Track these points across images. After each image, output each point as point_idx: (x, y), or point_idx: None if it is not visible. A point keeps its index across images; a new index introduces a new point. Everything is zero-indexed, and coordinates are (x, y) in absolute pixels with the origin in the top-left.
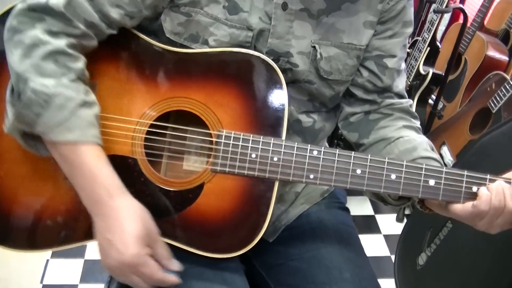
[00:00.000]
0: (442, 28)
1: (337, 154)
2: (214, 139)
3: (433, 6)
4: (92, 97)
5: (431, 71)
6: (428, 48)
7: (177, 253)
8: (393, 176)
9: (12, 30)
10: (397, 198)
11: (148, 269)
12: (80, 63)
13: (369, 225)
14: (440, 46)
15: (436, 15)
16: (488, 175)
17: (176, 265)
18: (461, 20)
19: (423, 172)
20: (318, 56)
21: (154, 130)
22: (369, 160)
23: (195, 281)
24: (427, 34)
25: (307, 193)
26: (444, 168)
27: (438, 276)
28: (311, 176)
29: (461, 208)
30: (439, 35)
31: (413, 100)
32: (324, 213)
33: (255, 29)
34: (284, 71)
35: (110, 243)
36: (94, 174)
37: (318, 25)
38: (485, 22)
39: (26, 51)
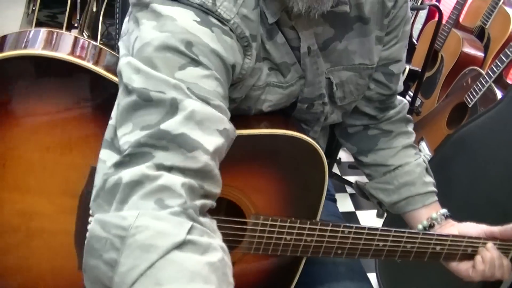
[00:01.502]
0: (419, 26)
1: (365, 233)
2: (249, 227)
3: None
4: None
5: (407, 67)
6: None
7: None
8: (408, 246)
9: None
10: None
11: None
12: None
13: (350, 221)
14: (416, 43)
15: (411, 12)
16: (481, 239)
17: None
18: (436, 18)
19: (433, 242)
20: (334, 88)
21: None
22: (392, 236)
23: None
24: None
25: None
26: (450, 236)
27: (419, 267)
28: (339, 252)
29: (456, 268)
30: (416, 33)
31: None
32: None
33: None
34: (320, 113)
35: None
36: None
37: (329, 54)
38: (461, 19)
39: None
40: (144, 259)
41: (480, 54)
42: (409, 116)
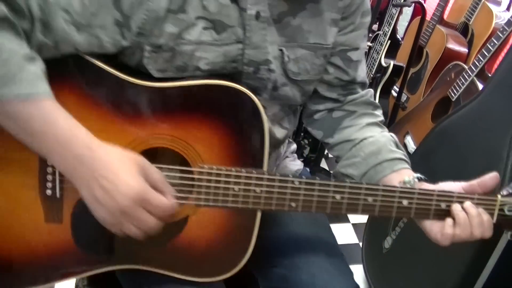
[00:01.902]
0: (404, 23)
1: (317, 184)
2: (196, 176)
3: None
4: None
5: (392, 63)
6: (389, 41)
7: (157, 276)
8: (370, 200)
9: None
10: None
11: (154, 199)
12: (23, 24)
13: (338, 217)
14: (400, 39)
15: (395, 9)
16: (456, 193)
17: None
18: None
19: (397, 194)
20: (286, 58)
21: None
22: (348, 187)
23: (165, 284)
24: (388, 28)
25: None
26: (417, 189)
27: (403, 257)
28: (293, 205)
29: (429, 229)
30: (401, 30)
31: (376, 91)
32: None
33: (244, 41)
34: (267, 80)
35: (107, 191)
36: (69, 136)
37: (283, 28)
38: (445, 16)
39: None
40: None
41: (464, 49)
42: (375, 102)
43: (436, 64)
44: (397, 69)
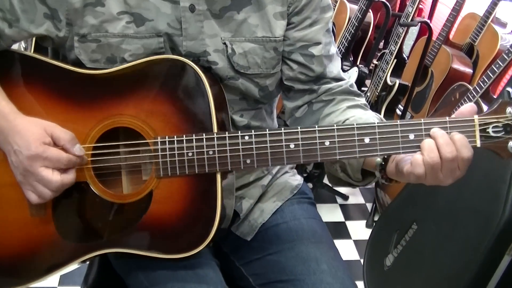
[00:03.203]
0: (410, 42)
1: (267, 134)
2: (151, 147)
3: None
4: None
5: (397, 81)
6: (395, 60)
7: (144, 260)
8: (327, 143)
9: None
10: (360, 179)
11: (51, 154)
12: None
13: (339, 231)
14: (406, 58)
15: (402, 28)
16: (422, 120)
17: (78, 149)
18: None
19: (355, 132)
20: (230, 51)
21: (98, 151)
22: (299, 132)
23: (168, 283)
24: (394, 47)
25: (277, 191)
26: (376, 122)
27: (404, 275)
28: (248, 161)
29: (413, 165)
30: (407, 49)
31: (381, 110)
32: (297, 209)
33: (165, 34)
34: (208, 70)
35: (16, 154)
36: None
37: (227, 23)
38: (451, 36)
39: None
40: None
41: (468, 70)
42: (357, 91)
43: (440, 84)
44: (402, 88)
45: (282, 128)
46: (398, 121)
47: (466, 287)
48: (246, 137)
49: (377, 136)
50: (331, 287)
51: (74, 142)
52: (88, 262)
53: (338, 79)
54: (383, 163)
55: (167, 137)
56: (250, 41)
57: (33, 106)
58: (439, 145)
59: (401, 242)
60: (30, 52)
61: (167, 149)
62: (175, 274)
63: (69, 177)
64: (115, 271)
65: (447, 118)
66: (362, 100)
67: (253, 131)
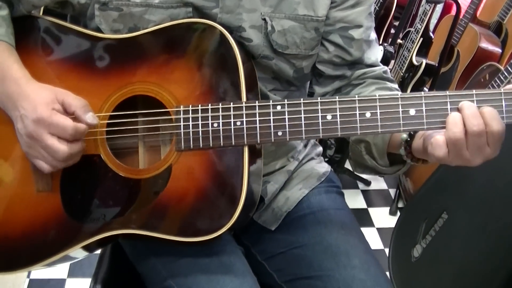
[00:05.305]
0: (433, 21)
1: (302, 104)
2: (173, 117)
3: None
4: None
5: (424, 61)
6: (421, 39)
7: (162, 247)
8: (368, 114)
9: None
10: (388, 165)
11: (57, 120)
12: None
13: (362, 218)
14: (432, 37)
15: (429, 5)
16: (474, 91)
17: (91, 117)
18: (453, 12)
19: (399, 103)
20: (270, 28)
21: (113, 121)
22: (337, 102)
23: (191, 274)
24: (420, 25)
25: (303, 177)
26: (423, 93)
27: (433, 268)
28: (279, 133)
29: (433, 146)
30: (431, 27)
31: (406, 91)
32: (324, 198)
33: (191, 5)
34: (240, 45)
35: (22, 119)
36: (3, 75)
37: None
38: (478, 14)
39: None
40: None
41: (497, 49)
42: (390, 76)
43: (467, 65)
44: (428, 68)
45: (319, 98)
46: (448, 92)
47: (502, 286)
48: (278, 107)
49: (423, 108)
50: (363, 285)
51: (86, 109)
52: (99, 251)
53: (374, 67)
54: (408, 139)
55: (190, 106)
56: (290, 19)
57: (48, 73)
58: (465, 117)
59: (430, 232)
60: (48, 16)
61: (190, 118)
62: (197, 262)
63: (77, 147)
64: (127, 263)
65: (474, 91)
66: (395, 86)
67: (286, 100)
